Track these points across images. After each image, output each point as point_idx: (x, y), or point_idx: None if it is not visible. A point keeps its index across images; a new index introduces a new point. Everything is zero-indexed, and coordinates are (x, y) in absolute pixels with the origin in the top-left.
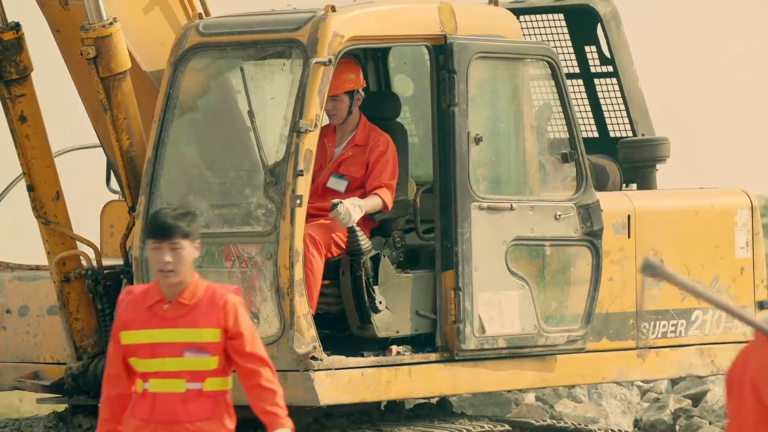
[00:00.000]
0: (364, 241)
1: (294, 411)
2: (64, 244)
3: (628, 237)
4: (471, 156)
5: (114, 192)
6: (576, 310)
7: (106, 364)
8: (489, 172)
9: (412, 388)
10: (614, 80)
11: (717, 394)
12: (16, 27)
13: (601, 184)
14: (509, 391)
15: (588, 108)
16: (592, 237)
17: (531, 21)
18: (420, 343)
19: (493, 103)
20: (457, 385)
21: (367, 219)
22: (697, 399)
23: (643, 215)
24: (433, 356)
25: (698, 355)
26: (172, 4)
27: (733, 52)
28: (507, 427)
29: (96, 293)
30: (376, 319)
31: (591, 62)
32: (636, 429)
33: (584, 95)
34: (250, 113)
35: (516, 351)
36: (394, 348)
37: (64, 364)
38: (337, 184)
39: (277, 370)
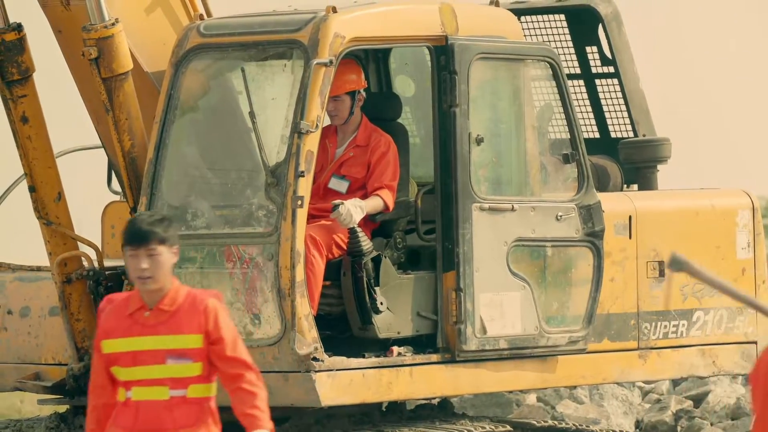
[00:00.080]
0: (366, 242)
1: (295, 412)
2: (66, 245)
3: (630, 238)
4: (472, 157)
5: (115, 193)
6: (577, 310)
7: (91, 375)
8: (490, 173)
9: (414, 388)
10: (615, 81)
11: (718, 395)
12: (18, 28)
13: (603, 185)
14: (510, 392)
15: (589, 108)
16: (593, 238)
17: (532, 22)
18: (421, 344)
19: (494, 104)
20: (459, 386)
21: (368, 220)
22: (698, 400)
23: (644, 216)
24: (434, 357)
25: (699, 356)
26: (174, 5)
27: (734, 53)
28: (508, 427)
29: (97, 294)
30: (377, 320)
31: (592, 63)
32: (637, 430)
33: (585, 96)
34: (251, 114)
35: (517, 352)
36: (396, 349)
37: (66, 365)
38: (339, 184)
39: (279, 372)
